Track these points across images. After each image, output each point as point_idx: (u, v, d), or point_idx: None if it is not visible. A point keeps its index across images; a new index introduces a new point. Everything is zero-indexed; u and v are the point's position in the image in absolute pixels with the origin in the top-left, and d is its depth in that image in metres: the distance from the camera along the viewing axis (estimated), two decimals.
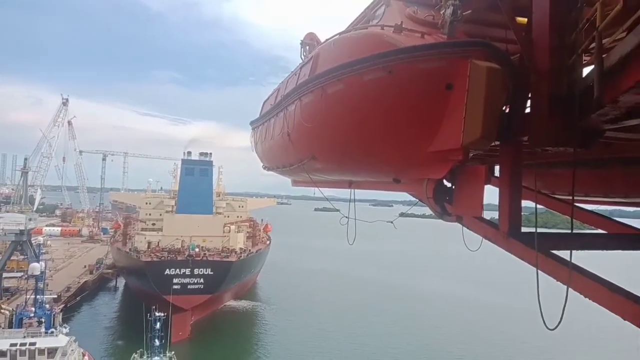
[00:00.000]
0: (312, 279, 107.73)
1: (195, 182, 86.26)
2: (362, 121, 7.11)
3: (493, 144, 6.65)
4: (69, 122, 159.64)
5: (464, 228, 8.06)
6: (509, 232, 6.84)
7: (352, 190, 11.05)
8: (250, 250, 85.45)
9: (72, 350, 40.47)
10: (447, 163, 6.49)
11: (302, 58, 12.04)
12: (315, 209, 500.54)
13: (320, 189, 11.82)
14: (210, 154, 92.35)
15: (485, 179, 6.87)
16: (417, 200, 9.14)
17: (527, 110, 6.65)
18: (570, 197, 7.40)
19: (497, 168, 8.25)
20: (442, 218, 7.64)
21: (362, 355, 59.22)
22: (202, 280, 65.87)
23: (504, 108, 6.65)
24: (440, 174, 6.84)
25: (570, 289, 5.81)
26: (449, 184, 7.27)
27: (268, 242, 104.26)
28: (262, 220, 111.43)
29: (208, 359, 55.09)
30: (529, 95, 6.51)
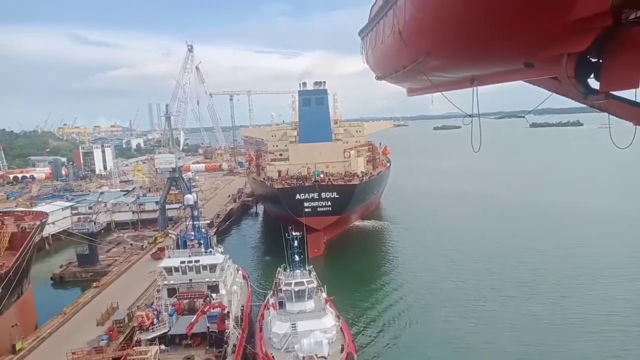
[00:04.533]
0: (435, 198, 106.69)
1: (313, 112, 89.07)
2: None
3: None
4: (197, 68, 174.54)
5: (611, 119, 6.94)
6: None
7: (475, 89, 10.15)
8: (371, 173, 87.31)
9: (228, 266, 47.36)
10: (592, 31, 5.46)
11: None
12: (435, 128, 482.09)
13: (442, 92, 11.04)
14: (324, 82, 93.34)
15: None
16: (551, 93, 8.03)
17: None
18: None
19: None
20: (586, 99, 6.49)
21: (490, 271, 58.57)
22: (329, 203, 70.30)
23: None
24: (584, 46, 5.67)
25: None
26: (593, 59, 6.18)
27: (388, 164, 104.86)
28: (380, 143, 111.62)
29: (342, 273, 59.78)
30: None
